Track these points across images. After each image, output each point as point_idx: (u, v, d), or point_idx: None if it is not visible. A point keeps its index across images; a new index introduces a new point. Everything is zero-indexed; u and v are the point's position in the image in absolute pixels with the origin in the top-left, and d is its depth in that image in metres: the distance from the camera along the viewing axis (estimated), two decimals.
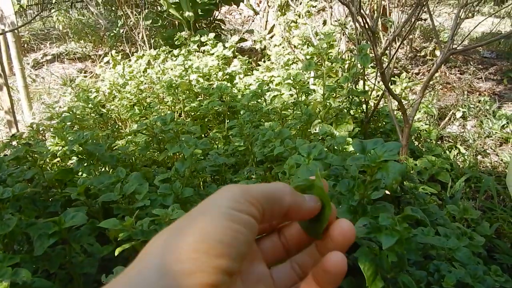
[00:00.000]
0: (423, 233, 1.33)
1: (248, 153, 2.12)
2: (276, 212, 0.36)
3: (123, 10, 4.86)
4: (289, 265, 0.41)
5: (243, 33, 5.97)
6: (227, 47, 3.98)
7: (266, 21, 5.50)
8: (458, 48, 1.91)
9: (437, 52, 4.53)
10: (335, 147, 1.79)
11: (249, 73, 3.88)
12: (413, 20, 1.69)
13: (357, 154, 1.15)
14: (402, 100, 2.19)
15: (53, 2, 6.07)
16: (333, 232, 0.37)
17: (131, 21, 4.84)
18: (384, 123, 2.72)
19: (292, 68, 3.63)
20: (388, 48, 1.96)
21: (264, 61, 4.13)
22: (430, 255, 1.39)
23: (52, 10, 6.42)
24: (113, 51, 4.30)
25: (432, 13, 2.32)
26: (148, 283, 0.28)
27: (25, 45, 5.96)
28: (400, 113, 1.96)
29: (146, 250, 0.31)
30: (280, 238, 0.41)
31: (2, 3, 2.96)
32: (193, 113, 3.01)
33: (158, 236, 0.32)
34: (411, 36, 4.91)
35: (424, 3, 1.54)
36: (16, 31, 3.53)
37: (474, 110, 3.65)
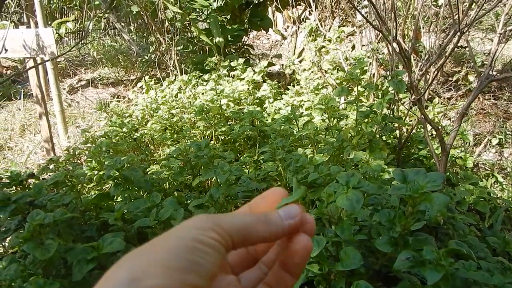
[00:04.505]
0: (464, 267, 1.27)
1: (280, 178, 2.10)
2: (250, 242, 0.38)
3: (155, 36, 5.00)
4: (256, 267, 0.43)
5: (271, 58, 6.04)
6: (256, 72, 4.03)
7: (295, 46, 5.55)
8: (497, 75, 1.86)
9: (470, 78, 4.44)
10: (370, 175, 1.76)
11: (278, 98, 3.89)
12: (450, 47, 1.67)
13: (397, 183, 1.12)
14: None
15: (90, 30, 6.32)
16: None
17: (162, 47, 4.97)
18: (417, 149, 2.66)
19: (322, 93, 3.62)
20: (424, 75, 1.93)
21: (293, 86, 4.13)
22: None
23: (88, 41, 6.68)
24: (147, 77, 4.42)
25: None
26: None
27: (62, 71, 6.20)
28: (437, 139, 1.91)
29: (115, 267, 0.32)
30: (248, 249, 0.44)
31: (43, 34, 3.11)
32: (223, 137, 3.03)
33: (126, 256, 0.33)
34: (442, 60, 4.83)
35: (463, 32, 1.52)
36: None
37: None
